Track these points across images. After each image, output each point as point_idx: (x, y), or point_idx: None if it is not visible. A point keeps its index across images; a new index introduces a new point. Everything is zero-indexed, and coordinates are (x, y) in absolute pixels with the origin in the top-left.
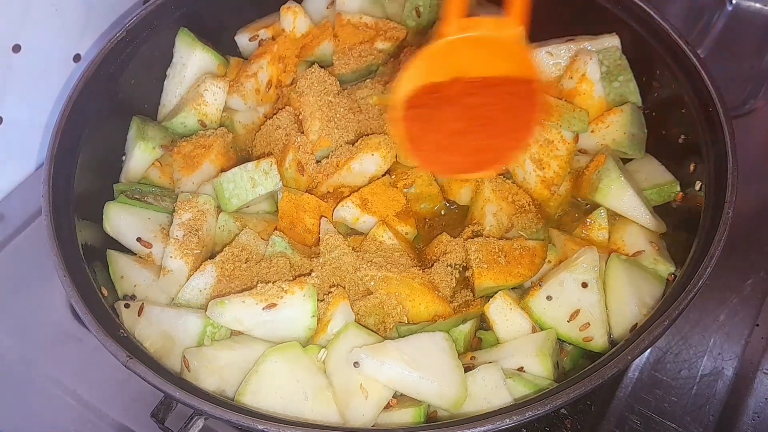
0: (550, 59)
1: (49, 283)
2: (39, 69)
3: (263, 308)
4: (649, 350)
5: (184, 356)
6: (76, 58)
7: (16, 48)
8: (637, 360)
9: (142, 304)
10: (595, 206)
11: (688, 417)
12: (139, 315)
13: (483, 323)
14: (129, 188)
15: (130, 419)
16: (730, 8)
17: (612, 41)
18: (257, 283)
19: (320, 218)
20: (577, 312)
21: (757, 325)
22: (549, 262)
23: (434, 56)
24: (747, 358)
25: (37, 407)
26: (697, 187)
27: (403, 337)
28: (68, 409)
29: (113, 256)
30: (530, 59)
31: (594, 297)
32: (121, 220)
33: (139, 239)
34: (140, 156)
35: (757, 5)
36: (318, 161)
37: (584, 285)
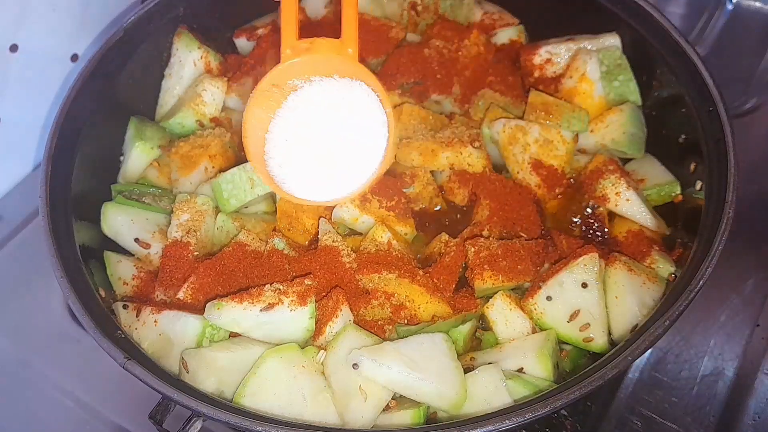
0: (550, 58)
1: (47, 284)
2: (36, 69)
3: (261, 310)
4: (649, 351)
5: (183, 357)
6: (74, 57)
7: (14, 48)
8: (637, 360)
9: (141, 305)
10: (595, 206)
11: (688, 418)
12: (137, 316)
13: (482, 323)
14: (127, 189)
15: (128, 421)
16: (730, 7)
17: (612, 40)
18: (255, 284)
19: (319, 219)
20: (577, 312)
21: (758, 325)
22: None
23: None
24: (748, 358)
25: (34, 408)
26: (698, 187)
27: (403, 338)
28: (66, 410)
29: (110, 257)
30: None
31: (594, 297)
32: (119, 220)
33: (137, 240)
34: (138, 156)
35: (758, 4)
36: None
37: (584, 285)
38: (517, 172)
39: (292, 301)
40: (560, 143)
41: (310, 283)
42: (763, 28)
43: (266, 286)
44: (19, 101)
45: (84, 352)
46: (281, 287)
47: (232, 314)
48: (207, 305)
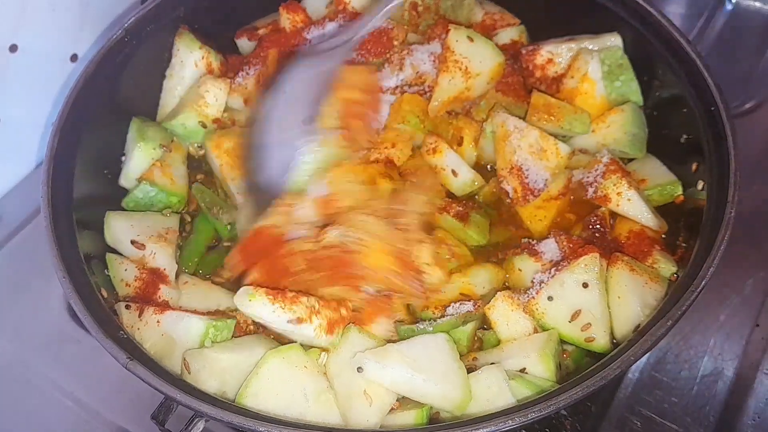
0: (552, 58)
1: (47, 284)
2: (36, 69)
3: (287, 321)
4: None
5: (185, 358)
6: (74, 57)
7: (13, 48)
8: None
9: (143, 305)
10: (595, 207)
11: (688, 418)
12: (139, 317)
13: (484, 323)
14: (199, 192)
15: (129, 421)
16: (730, 7)
17: (614, 40)
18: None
19: None
20: (578, 312)
21: (758, 325)
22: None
23: None
24: (747, 358)
25: (34, 409)
26: (699, 187)
27: (404, 338)
28: (66, 411)
29: (113, 259)
30: None
31: (595, 297)
32: (122, 229)
33: (133, 242)
34: (140, 157)
35: (758, 4)
36: None
37: (585, 285)
38: (502, 169)
39: (320, 325)
40: (553, 155)
41: (345, 313)
42: (763, 28)
43: (302, 297)
44: (18, 101)
45: (84, 353)
46: (316, 305)
47: (259, 310)
48: (240, 289)
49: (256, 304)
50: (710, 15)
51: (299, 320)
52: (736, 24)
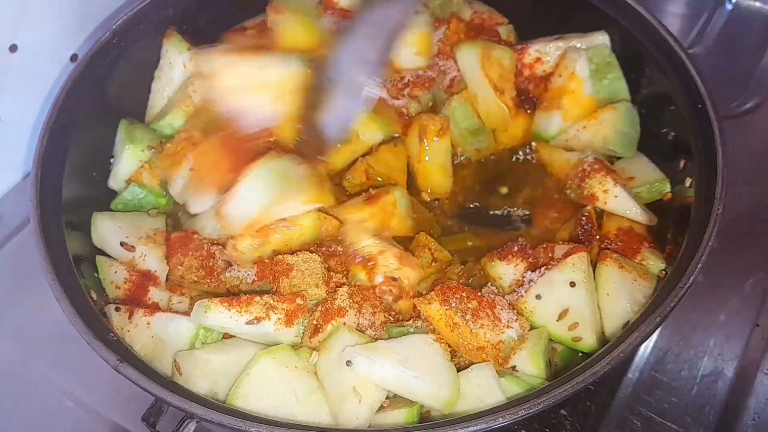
0: (540, 57)
1: (46, 284)
2: (36, 69)
3: (245, 323)
4: (649, 350)
5: (175, 360)
6: (73, 58)
7: (13, 48)
8: (637, 360)
9: (133, 307)
10: (582, 205)
11: (688, 418)
12: (129, 318)
13: None
14: None
15: (127, 420)
16: (729, 7)
17: (601, 39)
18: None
19: None
20: (565, 311)
21: (758, 325)
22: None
23: None
24: (747, 358)
25: (33, 408)
26: (687, 184)
27: (394, 338)
28: (64, 410)
29: (102, 261)
30: None
31: (582, 296)
32: (109, 230)
33: (122, 243)
34: (129, 159)
35: (757, 4)
36: None
37: (572, 284)
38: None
39: (279, 319)
40: None
41: (302, 302)
42: (763, 27)
43: (257, 297)
44: (18, 101)
45: (83, 352)
46: (271, 301)
47: (217, 319)
48: (195, 305)
49: (214, 314)
50: (710, 15)
51: (257, 319)
52: (736, 24)
